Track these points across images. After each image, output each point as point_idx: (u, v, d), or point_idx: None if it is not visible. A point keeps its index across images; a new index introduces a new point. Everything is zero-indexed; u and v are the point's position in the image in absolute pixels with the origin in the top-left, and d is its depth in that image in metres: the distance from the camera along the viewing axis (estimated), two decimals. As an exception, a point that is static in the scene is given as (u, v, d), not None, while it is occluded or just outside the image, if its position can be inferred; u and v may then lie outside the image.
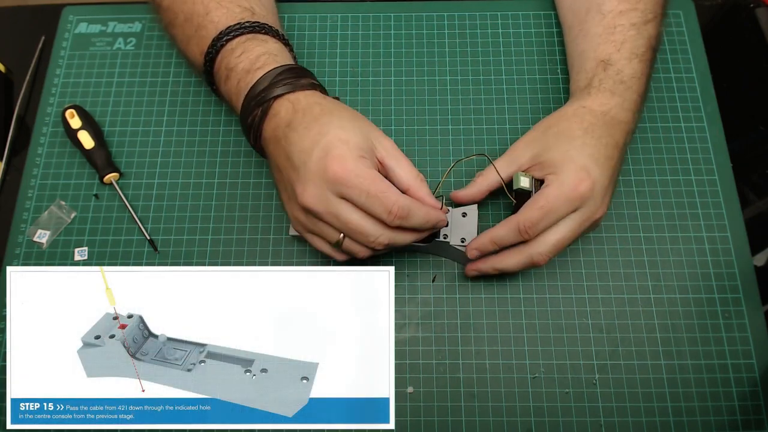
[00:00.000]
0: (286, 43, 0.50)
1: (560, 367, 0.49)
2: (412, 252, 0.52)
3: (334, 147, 0.40)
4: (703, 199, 0.54)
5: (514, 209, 0.47)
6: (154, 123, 0.57)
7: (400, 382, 0.48)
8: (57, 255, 0.53)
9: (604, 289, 0.51)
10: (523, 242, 0.45)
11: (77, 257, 0.52)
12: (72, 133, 0.55)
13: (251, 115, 0.44)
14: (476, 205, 0.49)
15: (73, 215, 0.54)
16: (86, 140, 0.54)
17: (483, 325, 0.50)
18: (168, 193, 0.55)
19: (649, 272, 0.51)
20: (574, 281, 0.51)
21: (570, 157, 0.44)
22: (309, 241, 0.45)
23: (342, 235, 0.42)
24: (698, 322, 0.50)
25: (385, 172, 0.44)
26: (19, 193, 0.55)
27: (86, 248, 0.53)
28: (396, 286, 0.51)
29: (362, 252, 0.44)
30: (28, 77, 0.60)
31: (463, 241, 0.48)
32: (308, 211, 0.42)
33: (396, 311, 0.50)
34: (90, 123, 0.55)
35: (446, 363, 0.49)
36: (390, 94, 0.58)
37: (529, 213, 0.44)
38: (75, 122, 0.55)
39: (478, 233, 0.48)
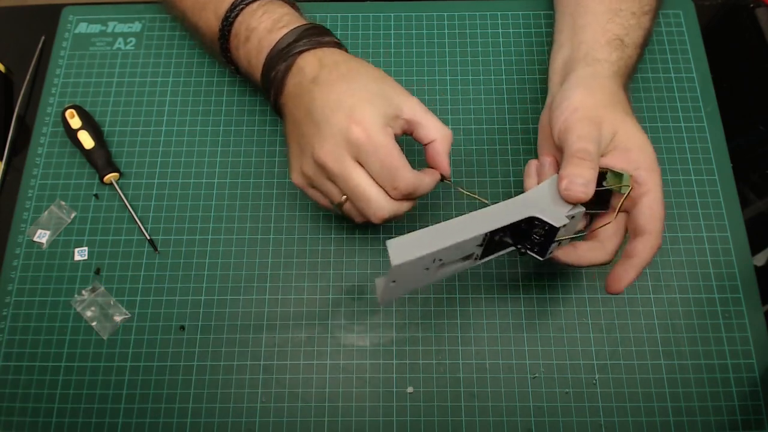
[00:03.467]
0: (299, 11, 0.51)
1: (560, 367, 0.49)
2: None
3: (360, 111, 0.41)
4: (703, 199, 0.54)
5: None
6: (154, 123, 0.57)
7: (400, 382, 0.48)
8: (57, 255, 0.52)
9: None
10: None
11: (77, 257, 0.52)
12: (72, 133, 0.55)
13: (274, 70, 0.45)
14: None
15: (73, 215, 0.54)
16: (86, 140, 0.54)
17: (483, 325, 0.50)
18: (168, 193, 0.55)
19: (649, 272, 0.51)
20: (574, 281, 0.51)
21: (650, 154, 0.42)
22: (310, 195, 0.46)
23: (345, 197, 0.43)
24: (698, 322, 0.50)
25: (413, 128, 0.44)
26: (19, 193, 0.55)
27: (86, 248, 0.53)
28: (396, 286, 0.51)
29: (359, 219, 0.44)
30: (28, 77, 0.60)
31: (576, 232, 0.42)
32: (321, 166, 0.42)
33: (396, 311, 0.50)
34: (90, 123, 0.55)
35: (446, 363, 0.49)
36: (390, 94, 0.58)
37: (659, 225, 0.42)
38: (75, 122, 0.55)
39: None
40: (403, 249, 0.37)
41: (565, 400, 0.48)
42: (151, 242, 0.53)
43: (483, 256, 0.42)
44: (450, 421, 0.47)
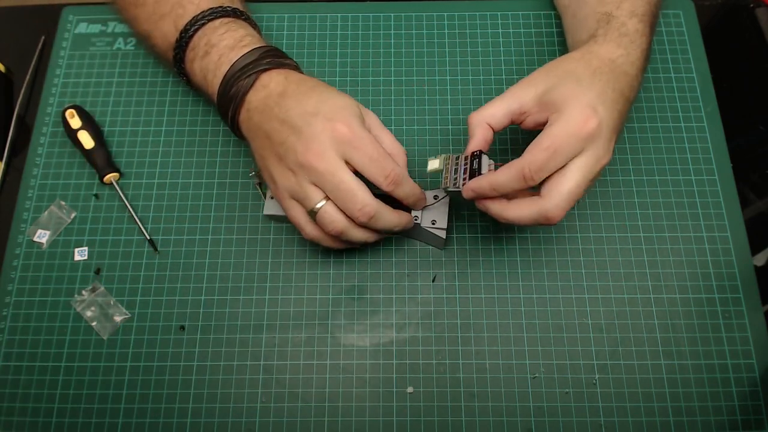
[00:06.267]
0: (260, 32, 0.53)
1: (560, 367, 0.49)
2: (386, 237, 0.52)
3: (339, 112, 0.43)
4: (703, 199, 0.54)
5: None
6: (154, 123, 0.57)
7: (400, 382, 0.48)
8: (57, 255, 0.52)
9: (604, 289, 0.51)
10: (535, 195, 0.43)
11: (77, 257, 0.52)
12: (72, 133, 0.55)
13: (235, 86, 0.46)
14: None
15: (73, 215, 0.54)
16: (86, 140, 0.54)
17: (483, 325, 0.50)
18: (168, 193, 0.55)
19: (649, 272, 0.51)
20: (574, 281, 0.51)
21: (576, 95, 0.42)
22: (286, 207, 0.46)
23: (321, 203, 0.43)
24: (698, 322, 0.50)
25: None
26: (19, 193, 0.55)
27: (86, 248, 0.53)
28: (396, 286, 0.51)
29: (337, 223, 0.44)
30: (28, 77, 0.60)
31: (433, 223, 0.49)
32: (306, 167, 0.42)
33: (396, 311, 0.50)
34: (90, 123, 0.55)
35: (446, 363, 0.49)
36: (390, 94, 0.58)
37: (533, 155, 0.41)
38: (75, 122, 0.55)
39: (449, 218, 0.50)
40: None
41: (565, 400, 0.48)
42: (151, 242, 0.53)
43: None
44: (450, 421, 0.47)
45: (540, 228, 0.53)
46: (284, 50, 0.60)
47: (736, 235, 0.53)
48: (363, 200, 0.43)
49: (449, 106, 0.58)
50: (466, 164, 0.45)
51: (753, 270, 0.52)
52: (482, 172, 0.44)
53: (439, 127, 0.57)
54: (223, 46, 0.47)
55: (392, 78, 0.59)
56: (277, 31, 0.61)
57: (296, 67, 0.48)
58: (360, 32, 0.61)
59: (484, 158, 0.45)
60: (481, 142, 0.45)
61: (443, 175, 0.47)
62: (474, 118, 0.45)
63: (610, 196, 0.54)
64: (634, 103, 0.57)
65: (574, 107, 0.42)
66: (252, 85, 0.46)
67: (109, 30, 0.61)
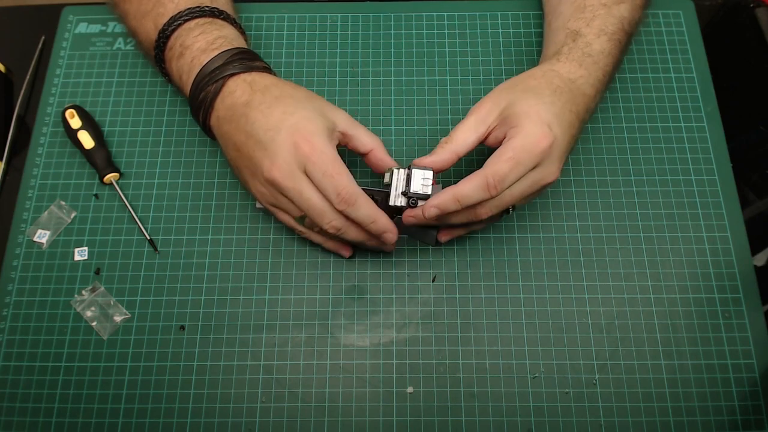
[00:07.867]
0: (242, 31, 0.52)
1: (560, 367, 0.49)
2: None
3: (303, 126, 0.43)
4: (703, 199, 0.54)
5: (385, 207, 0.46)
6: (154, 123, 0.57)
7: (400, 382, 0.48)
8: (57, 255, 0.52)
9: (604, 289, 0.51)
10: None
11: (77, 257, 0.52)
12: (72, 133, 0.55)
13: (203, 92, 0.46)
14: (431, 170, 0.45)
15: (73, 215, 0.54)
16: (86, 140, 0.54)
17: (483, 325, 0.50)
18: (168, 193, 0.55)
19: (649, 272, 0.51)
20: (574, 281, 0.51)
21: (536, 111, 0.43)
22: (274, 214, 0.48)
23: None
24: (698, 322, 0.50)
25: (348, 140, 0.47)
26: (19, 193, 0.55)
27: (86, 248, 0.53)
28: (396, 286, 0.51)
29: (319, 227, 0.46)
30: (28, 77, 0.60)
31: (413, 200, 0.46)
32: (273, 184, 0.44)
33: (396, 311, 0.50)
34: (90, 123, 0.55)
35: (446, 363, 0.49)
36: (390, 94, 0.58)
37: (497, 166, 0.42)
38: (75, 122, 0.55)
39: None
40: None
41: (565, 400, 0.48)
42: (151, 242, 0.53)
43: None
44: (450, 421, 0.47)
45: (540, 228, 0.53)
46: (284, 50, 0.60)
47: (736, 235, 0.53)
48: (329, 216, 0.44)
49: (449, 106, 0.58)
50: (404, 179, 0.45)
51: (753, 270, 0.52)
52: (412, 188, 0.44)
53: (438, 127, 0.57)
54: (196, 49, 0.47)
55: (392, 78, 0.59)
56: (277, 31, 0.61)
57: (266, 69, 0.48)
58: (360, 32, 0.61)
59: (415, 172, 0.45)
60: (440, 164, 0.45)
61: (391, 191, 0.46)
62: (447, 149, 0.45)
63: (610, 196, 0.54)
64: (634, 103, 0.57)
65: (533, 123, 0.43)
66: (219, 91, 0.46)
67: (109, 30, 0.61)
